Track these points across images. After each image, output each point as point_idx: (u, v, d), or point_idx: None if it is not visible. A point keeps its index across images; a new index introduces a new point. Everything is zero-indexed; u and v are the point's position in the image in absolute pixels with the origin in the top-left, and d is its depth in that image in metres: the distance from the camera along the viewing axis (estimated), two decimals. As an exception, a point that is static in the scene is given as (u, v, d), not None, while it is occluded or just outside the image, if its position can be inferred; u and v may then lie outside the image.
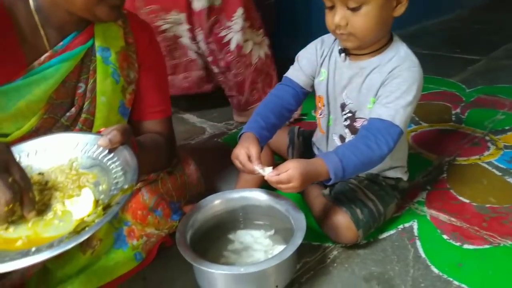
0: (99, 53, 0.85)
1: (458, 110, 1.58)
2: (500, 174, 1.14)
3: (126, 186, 0.59)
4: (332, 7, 0.81)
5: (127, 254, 0.85)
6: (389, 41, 0.87)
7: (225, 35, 1.45)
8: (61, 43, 0.79)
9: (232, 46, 1.46)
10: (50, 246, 0.52)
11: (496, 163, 1.20)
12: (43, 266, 0.79)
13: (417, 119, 1.51)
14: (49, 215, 0.60)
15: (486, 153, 1.26)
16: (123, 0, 0.81)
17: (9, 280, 0.76)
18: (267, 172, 0.78)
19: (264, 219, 0.93)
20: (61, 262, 0.80)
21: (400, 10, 0.82)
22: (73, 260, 0.81)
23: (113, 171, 0.64)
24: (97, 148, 0.68)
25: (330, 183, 0.79)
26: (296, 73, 0.98)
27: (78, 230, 0.54)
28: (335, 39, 0.94)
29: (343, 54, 0.90)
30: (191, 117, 1.73)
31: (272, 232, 0.92)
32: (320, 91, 0.96)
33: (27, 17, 0.76)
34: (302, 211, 0.84)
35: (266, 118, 0.91)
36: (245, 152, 0.81)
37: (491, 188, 1.09)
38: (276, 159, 1.18)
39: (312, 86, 0.99)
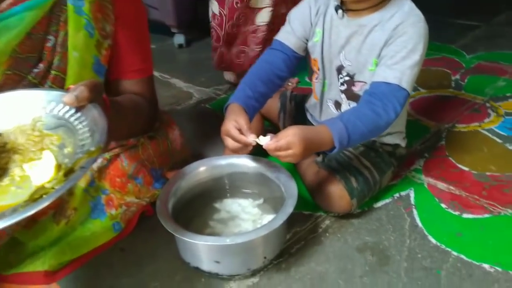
0: (71, 1, 0.76)
1: (457, 76, 1.51)
2: (501, 141, 1.10)
3: (92, 149, 0.52)
4: None
5: (105, 224, 0.81)
6: None
7: None
8: None
9: None
10: (1, 216, 0.45)
11: (496, 130, 1.15)
12: (12, 238, 0.74)
13: (415, 85, 1.44)
14: (5, 180, 0.53)
15: (487, 120, 1.20)
16: None
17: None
18: (265, 141, 0.71)
19: (252, 187, 0.88)
20: (33, 233, 0.76)
21: None
22: (46, 231, 0.76)
23: (80, 132, 0.57)
24: (63, 106, 0.60)
25: (334, 151, 0.73)
26: (287, 35, 0.89)
27: (35, 197, 0.48)
28: None
29: (340, 11, 0.81)
30: (177, 82, 1.65)
31: (261, 201, 0.86)
32: (315, 53, 0.88)
33: None
34: (293, 178, 0.78)
35: (253, 87, 0.83)
36: (233, 126, 0.74)
37: (492, 155, 1.04)
38: (267, 125, 1.11)
39: (305, 50, 0.91)
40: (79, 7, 0.77)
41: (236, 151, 0.77)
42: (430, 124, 1.20)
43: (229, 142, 0.75)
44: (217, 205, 0.87)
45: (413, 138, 1.11)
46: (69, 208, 0.78)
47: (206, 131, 1.21)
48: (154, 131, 0.92)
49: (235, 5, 1.28)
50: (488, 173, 0.97)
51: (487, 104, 1.29)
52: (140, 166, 0.86)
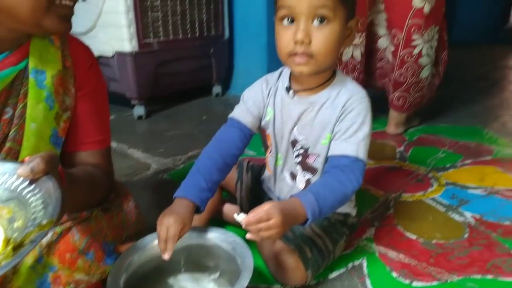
0: (33, 75, 0.78)
1: (402, 148, 1.63)
2: (444, 210, 1.17)
3: (44, 222, 0.52)
4: (292, 21, 0.76)
5: (52, 304, 0.75)
6: (333, 75, 0.87)
7: None
8: None
9: None
10: None
11: (439, 199, 1.22)
12: None
13: (364, 156, 1.54)
14: (-50, 256, 0.50)
15: (430, 189, 1.29)
16: (72, 9, 0.75)
17: None
18: (242, 217, 0.71)
19: (208, 260, 0.86)
20: None
21: (348, 41, 0.82)
22: None
23: (32, 205, 0.56)
24: (16, 179, 0.60)
25: (307, 224, 0.75)
26: (243, 114, 0.92)
27: (-20, 274, 0.46)
28: (279, 77, 0.92)
29: (291, 91, 0.87)
30: (135, 152, 1.65)
31: (217, 274, 0.85)
32: (268, 130, 0.93)
33: None
34: (249, 248, 0.78)
35: (208, 176, 0.84)
36: (177, 227, 0.76)
37: (436, 223, 1.10)
38: (224, 196, 1.13)
39: (259, 128, 0.95)
40: (40, 80, 0.79)
41: (160, 246, 0.77)
42: (378, 194, 1.26)
43: (162, 235, 0.77)
44: (170, 280, 0.84)
45: (363, 207, 1.16)
46: (12, 287, 0.73)
47: (162, 202, 1.18)
48: (108, 203, 0.91)
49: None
50: (434, 241, 1.02)
51: (430, 175, 1.39)
52: (92, 240, 0.82)
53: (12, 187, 0.59)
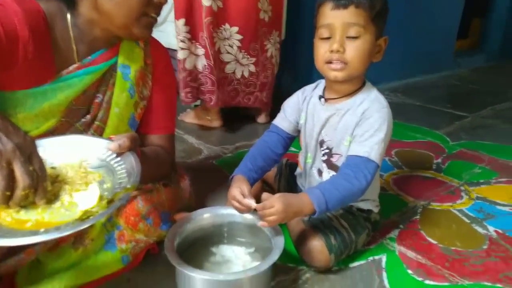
0: (120, 69, 0.96)
1: (439, 160, 1.69)
2: (468, 221, 1.23)
3: (129, 186, 0.68)
4: (328, 38, 0.92)
5: (115, 256, 0.92)
6: (362, 86, 0.99)
7: None
8: (89, 57, 0.90)
9: None
10: (57, 228, 0.60)
11: (466, 211, 1.29)
12: (36, 259, 0.85)
13: (400, 163, 1.62)
14: (57, 204, 0.68)
15: (459, 201, 1.35)
16: (156, 19, 0.92)
17: (5, 265, 0.83)
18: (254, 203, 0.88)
19: (246, 237, 1.00)
20: (54, 256, 0.86)
21: (378, 57, 0.96)
22: (65, 256, 0.87)
23: (118, 173, 0.73)
24: (106, 151, 0.77)
25: (316, 215, 0.88)
26: (281, 121, 1.09)
27: (83, 218, 0.63)
28: (315, 88, 1.06)
29: (322, 99, 1.02)
30: (189, 138, 1.83)
31: (252, 249, 0.99)
32: (301, 132, 1.08)
33: (63, 31, 0.87)
34: (282, 232, 0.92)
35: (254, 161, 1.02)
36: (239, 192, 0.91)
37: (459, 233, 1.17)
38: (265, 187, 1.27)
39: (297, 131, 1.10)
40: (126, 74, 0.97)
41: (240, 212, 0.93)
42: (408, 200, 1.35)
43: (236, 205, 0.92)
44: (213, 249, 0.99)
45: (391, 210, 1.26)
46: (87, 238, 0.90)
47: (211, 184, 1.36)
48: (168, 179, 1.07)
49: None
50: (453, 248, 1.10)
51: (462, 188, 1.45)
52: (152, 208, 0.98)
53: (103, 157, 0.77)
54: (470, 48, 4.25)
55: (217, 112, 1.98)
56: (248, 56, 1.87)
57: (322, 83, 1.06)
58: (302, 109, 1.06)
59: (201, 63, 1.79)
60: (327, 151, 1.02)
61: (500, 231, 1.18)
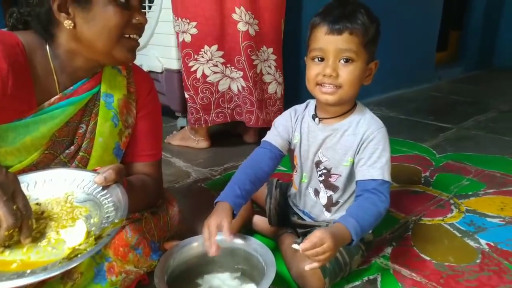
0: (103, 98, 0.94)
1: (427, 174, 1.70)
2: (460, 235, 1.24)
3: (116, 220, 0.66)
4: (321, 60, 0.93)
5: (106, 289, 0.89)
6: (354, 106, 1.01)
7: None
8: (71, 87, 0.89)
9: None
10: (44, 269, 0.58)
11: (457, 225, 1.29)
12: None
13: (389, 179, 1.62)
14: (43, 242, 0.66)
15: (449, 215, 1.36)
16: (137, 42, 0.91)
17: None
18: (297, 246, 0.84)
19: (230, 261, 0.98)
20: None
21: (368, 80, 0.97)
22: None
23: (105, 206, 0.71)
24: (92, 185, 0.75)
25: (353, 244, 0.88)
26: (274, 137, 1.08)
27: (70, 256, 0.61)
28: (306, 107, 1.07)
29: (317, 119, 1.02)
30: (177, 161, 1.82)
31: (239, 274, 0.97)
32: (295, 151, 1.08)
33: (44, 63, 0.85)
34: (269, 249, 0.91)
35: (242, 185, 0.98)
36: (215, 224, 0.89)
37: (451, 247, 1.17)
38: (255, 207, 1.26)
39: (288, 150, 1.09)
40: (109, 102, 0.96)
41: (205, 245, 0.89)
42: (399, 216, 1.35)
43: (205, 235, 0.88)
44: (199, 281, 0.96)
45: (383, 228, 1.25)
46: (76, 271, 0.86)
47: (200, 209, 1.33)
48: (156, 207, 1.05)
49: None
50: (446, 263, 1.10)
51: (451, 201, 1.46)
52: (141, 238, 0.96)
53: (89, 191, 0.75)
54: (449, 60, 4.35)
55: (205, 132, 1.98)
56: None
57: (312, 102, 1.07)
58: (295, 129, 1.06)
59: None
60: (324, 171, 1.02)
61: (492, 243, 1.19)
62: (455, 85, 3.72)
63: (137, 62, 1.02)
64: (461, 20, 4.26)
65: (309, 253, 0.82)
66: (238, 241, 0.97)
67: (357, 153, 0.97)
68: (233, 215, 0.95)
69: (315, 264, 0.83)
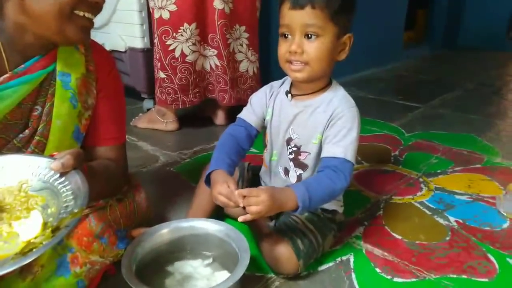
0: (60, 77, 0.87)
1: (397, 153, 1.71)
2: (430, 213, 1.25)
3: (76, 210, 0.61)
4: (286, 36, 0.90)
5: (69, 281, 0.84)
6: (328, 84, 0.98)
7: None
8: (22, 65, 0.81)
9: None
10: (-5, 266, 0.52)
11: (427, 203, 1.31)
12: None
13: (359, 158, 1.62)
14: (-6, 236, 0.60)
15: (419, 193, 1.37)
16: (92, 22, 0.84)
17: None
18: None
19: (209, 249, 0.96)
20: None
21: (342, 55, 0.94)
22: (11, 287, 0.78)
23: (63, 195, 0.65)
24: (48, 172, 0.69)
25: (298, 211, 0.86)
26: (249, 114, 1.05)
27: (25, 251, 0.55)
28: (282, 84, 1.04)
29: (289, 95, 0.99)
30: (144, 145, 1.75)
31: (210, 260, 0.94)
32: (267, 129, 1.05)
33: None
34: (243, 235, 0.89)
35: (229, 156, 0.97)
36: (226, 187, 0.86)
37: (422, 226, 1.19)
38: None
39: (262, 127, 1.07)
40: (66, 82, 0.88)
41: (228, 207, 0.89)
42: (370, 195, 1.35)
43: (223, 200, 0.86)
44: (169, 268, 0.93)
45: (355, 207, 1.25)
46: (36, 265, 0.81)
47: (169, 194, 1.30)
48: (122, 194, 1.00)
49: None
50: (417, 242, 1.11)
51: (420, 179, 1.47)
52: (106, 226, 0.91)
53: (45, 178, 0.69)
54: (416, 39, 4.40)
55: (173, 114, 1.92)
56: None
57: (289, 79, 1.03)
58: (269, 105, 1.03)
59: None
60: (294, 149, 1.00)
61: (460, 221, 1.21)
62: (422, 64, 3.78)
63: (98, 40, 0.95)
64: (427, -1, 4.31)
65: (244, 201, 0.82)
66: (210, 227, 0.94)
67: (325, 130, 0.95)
68: None
69: (247, 216, 0.83)
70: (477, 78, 3.14)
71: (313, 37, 0.87)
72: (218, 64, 1.84)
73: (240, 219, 0.85)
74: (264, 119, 1.05)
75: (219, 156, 0.97)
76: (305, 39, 0.88)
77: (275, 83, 1.06)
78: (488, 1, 4.35)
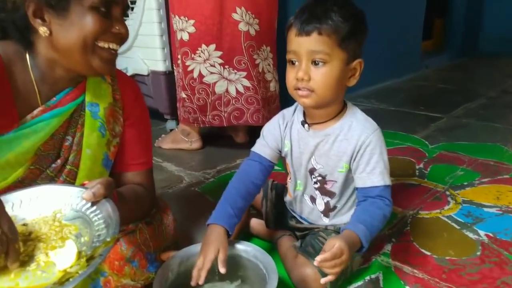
0: (89, 108, 0.90)
1: (421, 165, 1.69)
2: (458, 227, 1.23)
3: (108, 239, 0.63)
4: (294, 62, 0.89)
5: (103, 304, 0.86)
6: (343, 108, 0.97)
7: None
8: (54, 98, 0.85)
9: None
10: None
11: (455, 217, 1.28)
12: None
13: (383, 173, 1.61)
14: (32, 266, 0.62)
15: (446, 207, 1.35)
16: (116, 53, 0.87)
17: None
18: (318, 258, 0.80)
19: (230, 270, 0.94)
20: None
21: (352, 81, 0.93)
22: None
23: (95, 224, 0.68)
24: (80, 201, 0.72)
25: (363, 250, 0.88)
26: (263, 148, 1.05)
27: (62, 281, 0.57)
28: (294, 112, 1.03)
29: (306, 125, 0.98)
30: (169, 166, 1.78)
31: (239, 282, 0.95)
32: (287, 159, 1.05)
33: (23, 73, 0.81)
34: (269, 255, 0.89)
35: (234, 204, 0.96)
36: (212, 255, 0.87)
37: (451, 241, 1.16)
38: (251, 210, 1.23)
39: (278, 158, 1.06)
40: (95, 112, 0.92)
41: (194, 274, 0.88)
42: (397, 211, 1.34)
43: (199, 264, 0.87)
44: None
45: (381, 224, 1.24)
46: None
47: (195, 214, 1.31)
48: (150, 217, 1.02)
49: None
50: (447, 257, 1.09)
51: (447, 192, 1.45)
52: (137, 250, 0.93)
53: (77, 208, 0.71)
54: (435, 48, 4.36)
55: (197, 133, 1.95)
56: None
57: (300, 106, 1.02)
58: (285, 136, 1.03)
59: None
60: (319, 178, 1.00)
61: (491, 234, 1.18)
62: (442, 73, 3.74)
63: (122, 65, 0.98)
64: (445, 7, 4.27)
65: (328, 264, 0.80)
66: (238, 248, 0.94)
67: (354, 160, 0.94)
68: (228, 235, 0.93)
69: (330, 277, 0.82)
70: (500, 86, 3.08)
71: (320, 63, 0.86)
72: (249, 85, 1.81)
73: (322, 281, 0.84)
74: (280, 151, 1.05)
75: (222, 206, 0.96)
76: (312, 66, 0.87)
77: (286, 112, 1.05)
78: (506, 6, 4.28)
